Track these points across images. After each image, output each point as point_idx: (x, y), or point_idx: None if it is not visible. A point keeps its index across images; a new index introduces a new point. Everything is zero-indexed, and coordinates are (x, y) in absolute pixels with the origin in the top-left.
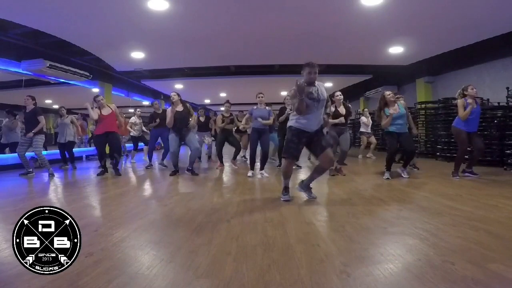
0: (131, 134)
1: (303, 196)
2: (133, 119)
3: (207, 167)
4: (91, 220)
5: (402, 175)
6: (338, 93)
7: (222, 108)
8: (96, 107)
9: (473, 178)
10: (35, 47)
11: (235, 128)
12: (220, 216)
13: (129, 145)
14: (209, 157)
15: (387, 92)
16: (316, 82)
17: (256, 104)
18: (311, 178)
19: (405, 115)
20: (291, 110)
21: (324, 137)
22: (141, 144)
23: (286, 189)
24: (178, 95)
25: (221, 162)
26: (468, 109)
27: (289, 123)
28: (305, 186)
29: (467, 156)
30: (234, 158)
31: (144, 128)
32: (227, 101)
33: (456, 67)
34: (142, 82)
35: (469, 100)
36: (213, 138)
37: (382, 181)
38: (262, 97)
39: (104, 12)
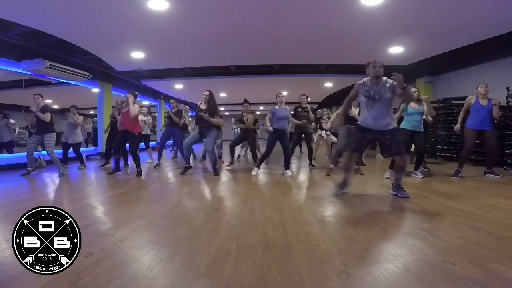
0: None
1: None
2: (141, 117)
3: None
4: (91, 220)
5: (416, 177)
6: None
7: (222, 109)
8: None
9: (495, 178)
10: (35, 47)
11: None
12: (220, 216)
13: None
14: (220, 157)
15: (413, 89)
16: (384, 79)
17: (266, 104)
18: (396, 179)
19: (421, 113)
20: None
21: (397, 144)
22: (141, 145)
23: (343, 183)
24: (210, 94)
25: (232, 158)
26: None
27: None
28: (396, 187)
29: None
30: (256, 162)
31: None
32: (245, 100)
33: (456, 67)
34: (142, 82)
35: (480, 99)
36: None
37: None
38: (282, 96)
39: (104, 12)
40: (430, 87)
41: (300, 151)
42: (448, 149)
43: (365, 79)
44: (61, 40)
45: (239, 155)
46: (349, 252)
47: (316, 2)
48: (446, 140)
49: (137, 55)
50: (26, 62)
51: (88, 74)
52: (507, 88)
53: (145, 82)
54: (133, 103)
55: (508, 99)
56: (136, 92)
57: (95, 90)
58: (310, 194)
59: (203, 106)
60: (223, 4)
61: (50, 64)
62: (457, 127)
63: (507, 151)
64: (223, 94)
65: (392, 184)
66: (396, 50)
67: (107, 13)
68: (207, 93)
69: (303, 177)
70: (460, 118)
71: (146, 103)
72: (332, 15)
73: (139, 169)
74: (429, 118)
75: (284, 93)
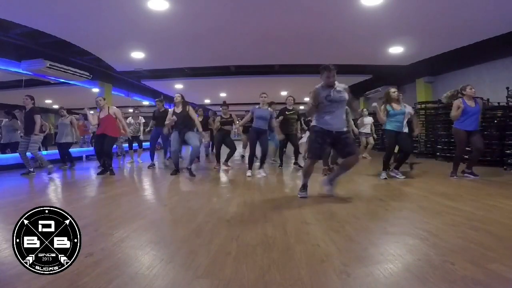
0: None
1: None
2: (129, 119)
3: (205, 167)
4: (91, 220)
5: (397, 176)
6: None
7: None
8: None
9: (472, 179)
10: (35, 47)
11: (240, 128)
12: (220, 216)
13: (125, 146)
14: (206, 155)
15: (392, 89)
16: (336, 83)
17: (258, 104)
18: (337, 174)
19: (404, 114)
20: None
21: (351, 143)
22: (134, 145)
23: (304, 187)
24: (182, 97)
25: (218, 161)
26: (457, 111)
27: (312, 123)
28: (330, 180)
29: (466, 156)
30: (227, 160)
31: (141, 129)
32: (224, 102)
33: (456, 67)
34: (142, 82)
35: (467, 100)
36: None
37: (381, 181)
38: (265, 97)
39: (104, 12)
40: (430, 87)
41: (284, 151)
42: (448, 149)
43: (317, 86)
44: (61, 40)
45: (242, 155)
46: (349, 252)
47: (316, 2)
48: (446, 140)
49: (137, 55)
50: (26, 62)
51: (88, 74)
52: (507, 88)
53: (145, 82)
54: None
55: (508, 99)
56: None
57: (95, 90)
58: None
59: (177, 110)
60: (223, 4)
61: (50, 64)
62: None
63: (507, 151)
64: (223, 94)
65: (329, 175)
66: (396, 50)
67: (107, 13)
68: (179, 96)
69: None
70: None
71: (146, 103)
72: (332, 15)
73: (110, 168)
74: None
75: (284, 93)
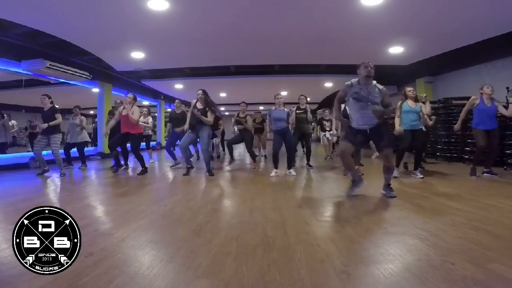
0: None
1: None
2: (141, 118)
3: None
4: (91, 220)
5: (416, 177)
6: None
7: (222, 109)
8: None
9: (492, 178)
10: (35, 47)
11: (253, 128)
12: (220, 216)
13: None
14: (218, 157)
15: (408, 88)
16: (374, 83)
17: (266, 104)
18: (386, 179)
19: (417, 112)
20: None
21: (383, 139)
22: (142, 144)
23: (353, 182)
24: (204, 93)
25: (232, 158)
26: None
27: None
28: (384, 187)
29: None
30: (255, 161)
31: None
32: (243, 102)
33: (456, 67)
34: (142, 82)
35: (485, 99)
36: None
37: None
38: (280, 98)
39: (104, 12)
40: (430, 87)
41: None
42: (448, 149)
43: (353, 80)
44: (61, 40)
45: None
46: (349, 252)
47: (316, 2)
48: (446, 140)
49: (137, 55)
50: (26, 62)
51: (88, 74)
52: (507, 88)
53: (145, 82)
54: (132, 106)
55: (508, 99)
56: (135, 95)
57: (95, 90)
58: (310, 194)
59: (199, 105)
60: (223, 4)
61: (50, 64)
62: (458, 127)
63: (507, 151)
64: (223, 94)
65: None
66: (396, 50)
67: (107, 13)
68: (200, 92)
69: (302, 177)
70: (461, 118)
71: (146, 103)
72: (332, 15)
73: (143, 168)
74: (428, 121)
75: (284, 93)
